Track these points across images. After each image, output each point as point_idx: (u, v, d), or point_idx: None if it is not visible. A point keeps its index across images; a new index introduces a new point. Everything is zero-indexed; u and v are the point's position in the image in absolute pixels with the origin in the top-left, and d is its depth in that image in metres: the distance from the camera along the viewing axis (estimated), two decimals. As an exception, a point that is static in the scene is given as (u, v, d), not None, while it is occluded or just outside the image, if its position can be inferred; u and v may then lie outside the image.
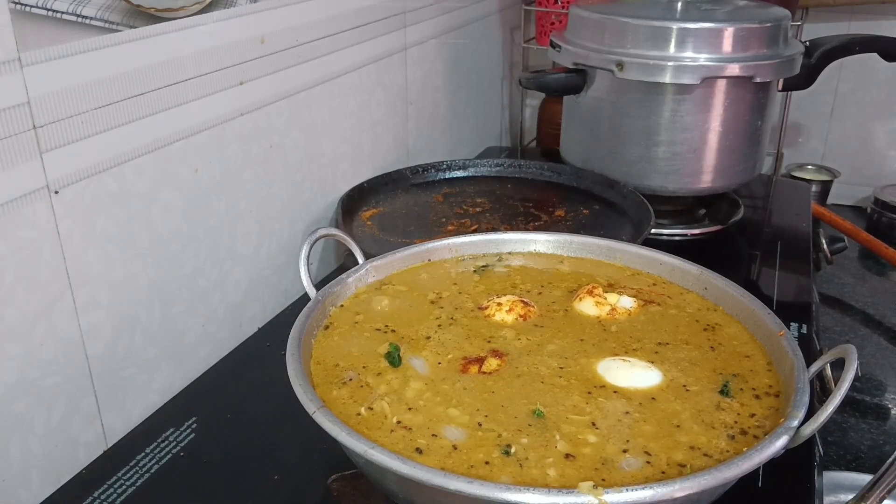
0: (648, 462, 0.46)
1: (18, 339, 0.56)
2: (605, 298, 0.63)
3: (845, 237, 1.25)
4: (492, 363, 0.55)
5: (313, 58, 0.85)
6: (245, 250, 0.80)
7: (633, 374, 0.54)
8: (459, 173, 1.09)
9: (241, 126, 0.76)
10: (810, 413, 0.46)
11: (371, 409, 0.51)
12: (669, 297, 0.65)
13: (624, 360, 0.56)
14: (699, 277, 0.65)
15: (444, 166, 1.08)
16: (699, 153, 0.98)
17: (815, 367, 0.51)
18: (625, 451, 0.47)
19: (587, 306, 0.63)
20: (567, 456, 0.46)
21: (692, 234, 1.03)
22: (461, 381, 0.54)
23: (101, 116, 0.59)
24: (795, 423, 0.46)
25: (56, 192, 0.57)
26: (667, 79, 0.93)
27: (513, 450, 0.47)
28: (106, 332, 0.63)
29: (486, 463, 0.46)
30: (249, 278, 0.81)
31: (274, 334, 0.81)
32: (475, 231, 0.91)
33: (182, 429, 0.66)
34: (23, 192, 0.54)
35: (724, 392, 0.52)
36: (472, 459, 0.46)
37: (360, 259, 0.67)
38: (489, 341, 0.58)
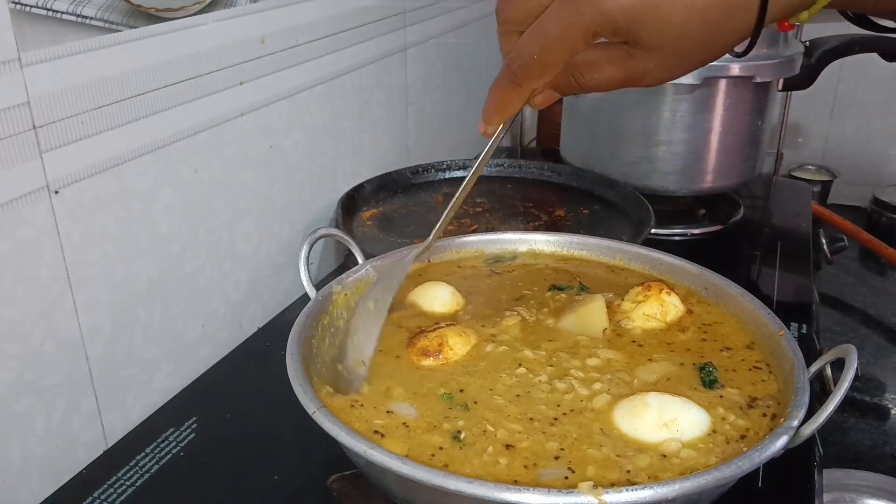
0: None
1: (18, 339, 0.56)
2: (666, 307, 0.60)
3: (845, 237, 1.25)
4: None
5: (313, 58, 0.85)
6: (245, 250, 0.80)
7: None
8: (459, 173, 1.09)
9: (241, 126, 0.76)
10: (810, 413, 0.46)
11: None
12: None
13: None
14: (699, 277, 0.65)
15: (444, 166, 1.08)
16: (699, 153, 0.98)
17: (815, 367, 0.51)
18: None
19: (652, 308, 0.60)
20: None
21: (692, 234, 1.03)
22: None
23: (102, 116, 0.59)
24: (795, 422, 0.46)
25: (56, 192, 0.57)
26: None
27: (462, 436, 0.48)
28: (106, 332, 0.63)
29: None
30: (249, 278, 0.81)
31: (274, 334, 0.81)
32: (475, 231, 0.91)
33: (182, 429, 0.66)
34: (23, 192, 0.54)
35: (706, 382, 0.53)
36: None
37: (360, 259, 0.67)
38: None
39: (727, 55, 0.47)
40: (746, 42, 0.46)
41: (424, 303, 0.63)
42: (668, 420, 0.48)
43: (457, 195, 0.57)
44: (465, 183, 0.57)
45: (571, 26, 0.43)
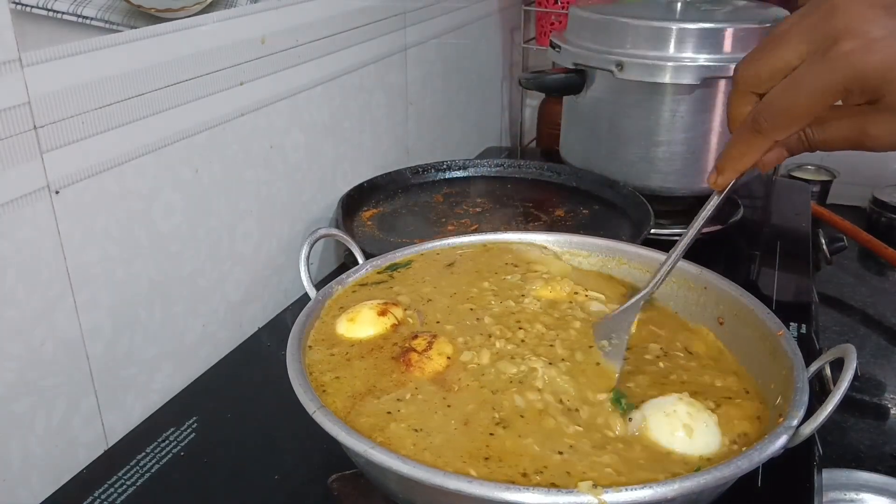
0: None
1: (19, 339, 0.56)
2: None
3: (845, 237, 1.25)
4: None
5: (313, 58, 0.85)
6: (245, 250, 0.80)
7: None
8: (459, 173, 1.09)
9: (241, 126, 0.76)
10: (810, 413, 0.46)
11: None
12: None
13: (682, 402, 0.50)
14: (699, 277, 0.65)
15: (444, 166, 1.08)
16: (699, 153, 0.98)
17: (814, 367, 0.51)
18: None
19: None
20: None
21: (692, 234, 1.02)
22: None
23: (102, 116, 0.59)
24: (795, 422, 0.46)
25: (57, 192, 0.57)
26: (666, 79, 0.93)
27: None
28: (106, 332, 0.63)
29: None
30: (249, 278, 0.81)
31: (274, 334, 0.81)
32: (475, 231, 0.91)
33: (182, 429, 0.66)
34: (23, 192, 0.54)
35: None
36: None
37: (360, 259, 0.67)
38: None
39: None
40: None
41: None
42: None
43: (673, 253, 0.58)
44: (683, 239, 0.58)
45: (825, 82, 0.44)
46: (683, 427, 0.48)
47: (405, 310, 0.61)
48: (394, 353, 0.56)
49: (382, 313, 0.59)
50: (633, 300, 0.59)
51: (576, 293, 0.64)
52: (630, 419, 0.50)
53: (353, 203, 0.95)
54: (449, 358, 0.55)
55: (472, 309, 0.61)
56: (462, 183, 1.07)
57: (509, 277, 0.65)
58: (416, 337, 0.56)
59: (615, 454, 0.47)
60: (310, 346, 0.57)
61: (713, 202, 0.55)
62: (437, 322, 0.60)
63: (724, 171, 0.52)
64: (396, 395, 0.51)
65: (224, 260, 0.77)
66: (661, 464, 0.46)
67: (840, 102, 0.46)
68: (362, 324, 0.58)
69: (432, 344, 0.55)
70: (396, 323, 0.59)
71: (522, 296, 0.63)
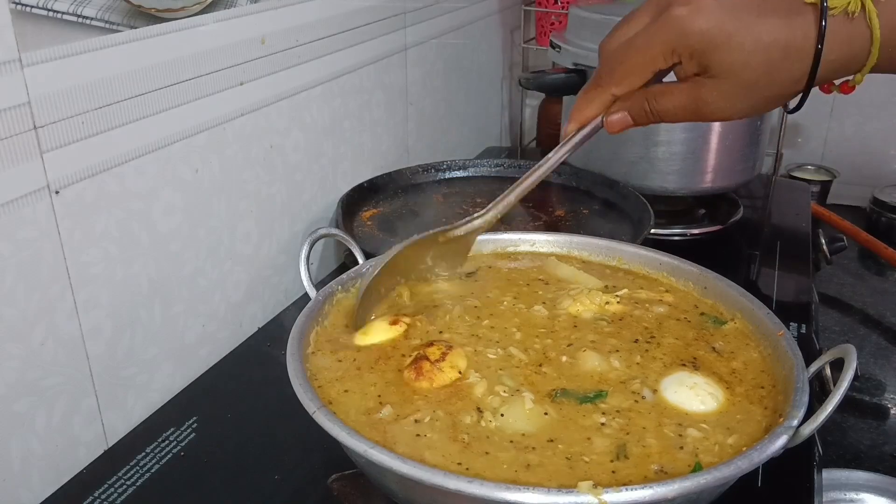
0: None
1: (19, 339, 0.56)
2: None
3: (845, 237, 1.25)
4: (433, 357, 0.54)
5: (313, 58, 0.85)
6: (245, 250, 0.80)
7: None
8: (459, 173, 1.09)
9: (241, 126, 0.76)
10: (810, 413, 0.46)
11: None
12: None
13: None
14: (699, 277, 0.65)
15: (444, 166, 1.08)
16: (699, 153, 0.98)
17: (814, 367, 0.51)
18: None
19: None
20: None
21: (692, 234, 1.03)
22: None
23: (102, 116, 0.59)
24: (795, 422, 0.46)
25: (57, 192, 0.57)
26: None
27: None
28: (106, 332, 0.63)
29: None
30: (249, 278, 0.81)
31: (274, 334, 0.81)
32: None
33: (182, 428, 0.66)
34: (23, 192, 0.54)
35: None
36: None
37: (360, 259, 0.67)
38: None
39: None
40: (798, 98, 0.51)
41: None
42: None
43: (518, 185, 0.63)
44: (527, 175, 0.61)
45: (656, 40, 0.49)
46: (709, 395, 0.52)
47: (414, 317, 0.60)
48: (401, 366, 0.54)
49: (394, 323, 0.59)
50: (470, 225, 0.65)
51: (607, 303, 0.62)
52: (643, 397, 0.52)
53: (353, 203, 0.95)
54: (460, 373, 0.53)
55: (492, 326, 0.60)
56: (462, 183, 1.07)
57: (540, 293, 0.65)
58: (431, 345, 0.55)
59: (657, 434, 0.48)
60: (313, 353, 0.56)
61: (559, 151, 0.57)
62: (441, 333, 0.59)
63: (570, 121, 0.55)
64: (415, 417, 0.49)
65: (224, 260, 0.77)
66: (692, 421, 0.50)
67: (675, 78, 0.52)
68: (375, 333, 0.58)
69: (446, 355, 0.53)
70: (407, 328, 0.59)
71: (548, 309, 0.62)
